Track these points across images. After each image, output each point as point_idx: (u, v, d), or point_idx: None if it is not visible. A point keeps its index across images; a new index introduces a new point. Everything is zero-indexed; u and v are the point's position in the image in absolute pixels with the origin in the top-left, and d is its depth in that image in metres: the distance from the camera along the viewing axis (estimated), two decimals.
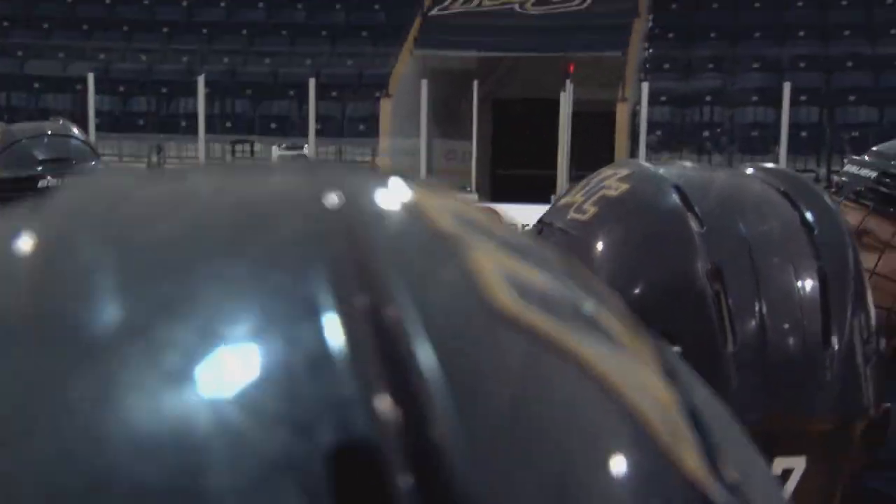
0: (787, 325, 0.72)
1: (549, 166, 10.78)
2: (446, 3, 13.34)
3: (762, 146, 11.50)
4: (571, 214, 0.77)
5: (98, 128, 11.56)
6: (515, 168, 12.20)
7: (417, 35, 13.01)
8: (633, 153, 11.07)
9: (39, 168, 1.77)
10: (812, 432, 0.74)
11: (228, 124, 12.31)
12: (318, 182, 0.27)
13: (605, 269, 0.73)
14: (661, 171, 0.79)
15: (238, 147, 12.52)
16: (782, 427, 0.71)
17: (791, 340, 0.72)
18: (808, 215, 0.77)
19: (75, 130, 1.85)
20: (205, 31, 13.97)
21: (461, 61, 12.84)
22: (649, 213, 0.76)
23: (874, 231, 1.55)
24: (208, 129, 11.30)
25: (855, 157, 1.66)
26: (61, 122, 1.97)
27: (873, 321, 0.79)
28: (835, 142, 11.46)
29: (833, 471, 0.75)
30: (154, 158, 12.60)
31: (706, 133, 11.96)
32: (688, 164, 0.85)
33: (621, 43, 12.46)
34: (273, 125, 12.44)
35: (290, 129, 12.23)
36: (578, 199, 0.78)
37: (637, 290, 0.72)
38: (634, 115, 11.41)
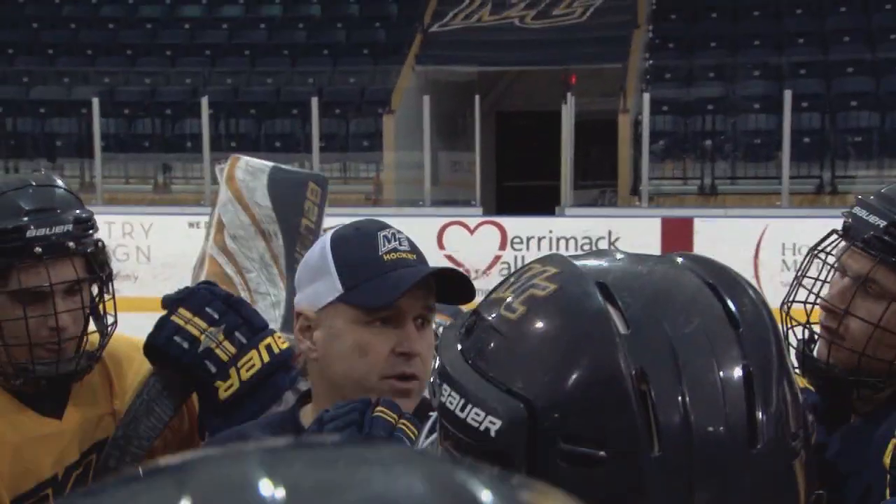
0: (711, 428, 0.71)
1: (553, 177, 10.89)
2: (446, 20, 13.47)
3: (765, 153, 11.59)
4: (502, 312, 0.77)
5: (104, 149, 11.71)
6: (520, 179, 12.30)
7: (418, 51, 13.15)
8: (637, 162, 11.17)
9: (25, 219, 1.77)
10: None
11: (233, 143, 12.40)
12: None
13: (533, 372, 0.73)
14: (590, 267, 0.78)
15: None
16: None
17: (716, 443, 0.71)
18: (734, 310, 0.76)
19: (59, 181, 1.89)
20: (207, 52, 14.12)
21: (463, 75, 12.95)
22: (574, 315, 0.75)
23: (881, 282, 1.55)
24: (213, 149, 11.40)
25: (862, 199, 1.64)
26: (43, 172, 2.02)
27: (802, 411, 0.77)
28: (838, 147, 11.53)
29: None
30: (160, 179, 12.73)
31: (709, 141, 12.03)
32: (619, 254, 0.82)
33: (621, 54, 12.57)
34: (277, 143, 12.55)
35: (295, 146, 12.35)
36: (508, 296, 0.78)
37: (564, 395, 0.72)
38: (637, 124, 11.51)
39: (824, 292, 1.66)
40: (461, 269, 7.81)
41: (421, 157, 11.09)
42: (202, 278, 2.10)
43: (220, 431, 1.70)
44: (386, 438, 1.22)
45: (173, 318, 1.79)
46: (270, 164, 2.18)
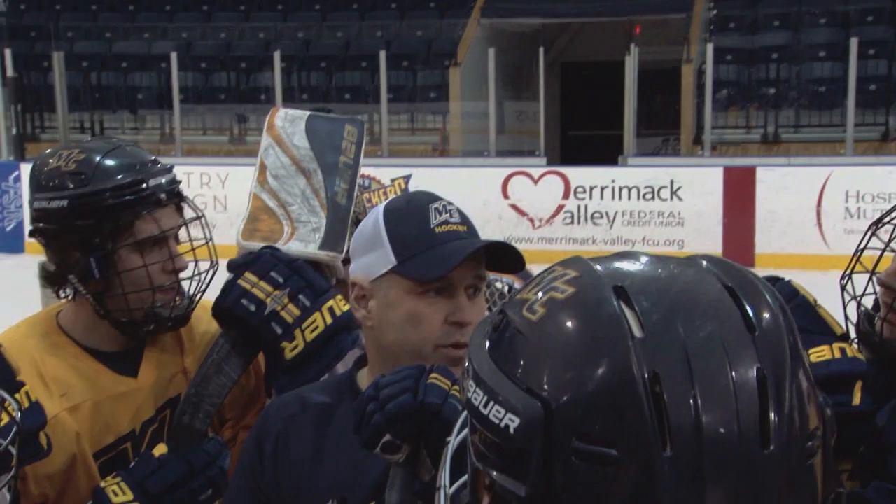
0: (723, 430, 0.72)
1: (617, 127, 10.97)
2: None
3: (830, 100, 11.51)
4: (524, 312, 0.79)
5: (182, 102, 12.10)
6: (583, 129, 12.37)
7: (484, 4, 13.22)
8: (700, 111, 11.20)
9: (139, 171, 1.85)
10: None
11: (304, 95, 12.73)
12: None
13: (550, 372, 0.74)
14: (609, 270, 0.80)
15: None
16: None
17: (728, 444, 0.72)
18: (751, 314, 0.76)
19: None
20: (279, 7, 14.40)
21: (528, 26, 13.04)
22: (590, 318, 0.76)
23: None
24: (285, 101, 11.70)
25: None
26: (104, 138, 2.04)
27: (821, 411, 0.78)
28: None
29: None
30: (236, 130, 13.02)
31: (773, 90, 11.98)
32: (643, 258, 0.83)
33: (685, 3, 12.51)
34: (347, 95, 12.82)
35: (363, 98, 12.61)
36: (531, 297, 0.80)
37: (578, 396, 0.73)
38: (700, 74, 11.51)
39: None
40: (524, 219, 8.16)
41: (486, 108, 11.24)
42: (246, 220, 2.15)
43: (285, 390, 1.73)
44: (440, 405, 1.25)
45: (240, 281, 1.81)
46: (307, 112, 2.17)
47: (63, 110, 12.41)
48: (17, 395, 1.45)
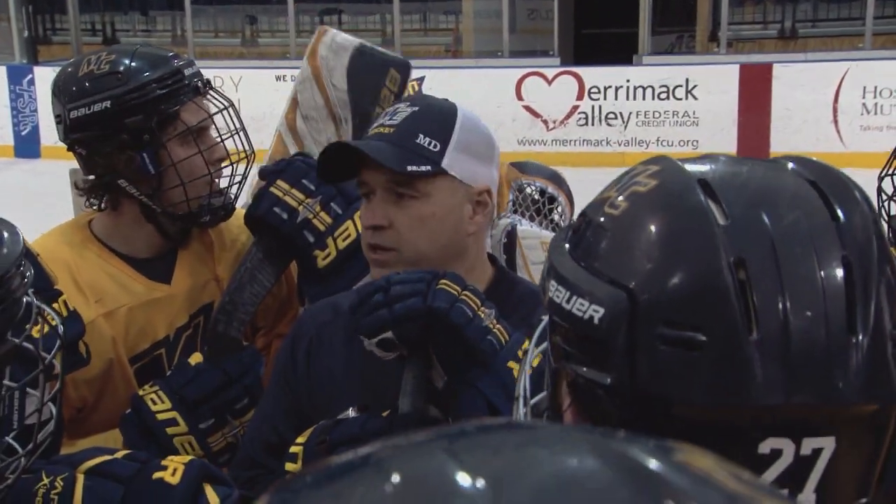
0: (810, 313, 0.72)
1: (631, 24, 10.82)
2: None
3: None
4: (605, 209, 0.80)
5: (193, 3, 11.99)
6: (597, 27, 12.20)
7: None
8: (717, 7, 11.02)
9: (174, 62, 1.84)
10: (839, 416, 0.73)
11: None
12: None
13: (634, 262, 0.75)
14: (692, 165, 0.80)
15: (326, 18, 12.82)
16: (808, 411, 0.73)
17: (814, 328, 0.72)
18: (836, 206, 0.76)
19: None
20: None
21: None
22: (675, 208, 0.76)
23: None
24: (297, 0, 11.61)
25: None
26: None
27: None
28: None
29: (866, 453, 0.75)
30: (248, 32, 12.90)
31: None
32: (723, 157, 0.83)
33: None
34: None
35: None
36: (612, 195, 0.81)
37: (664, 284, 0.74)
38: None
39: None
40: (538, 121, 8.11)
41: (499, 6, 11.12)
42: (271, 151, 2.19)
43: (317, 299, 1.75)
44: (448, 309, 1.27)
45: (272, 189, 1.81)
46: (357, 42, 2.09)
47: (74, 12, 12.31)
48: (55, 305, 1.47)
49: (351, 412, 1.38)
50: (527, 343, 1.31)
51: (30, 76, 11.09)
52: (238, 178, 1.92)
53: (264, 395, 1.66)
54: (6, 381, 1.05)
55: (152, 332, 1.87)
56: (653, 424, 0.73)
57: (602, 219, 0.79)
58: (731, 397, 0.72)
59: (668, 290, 0.73)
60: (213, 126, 1.88)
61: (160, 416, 1.69)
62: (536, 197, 2.84)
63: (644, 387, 0.73)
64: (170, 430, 1.69)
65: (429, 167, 1.46)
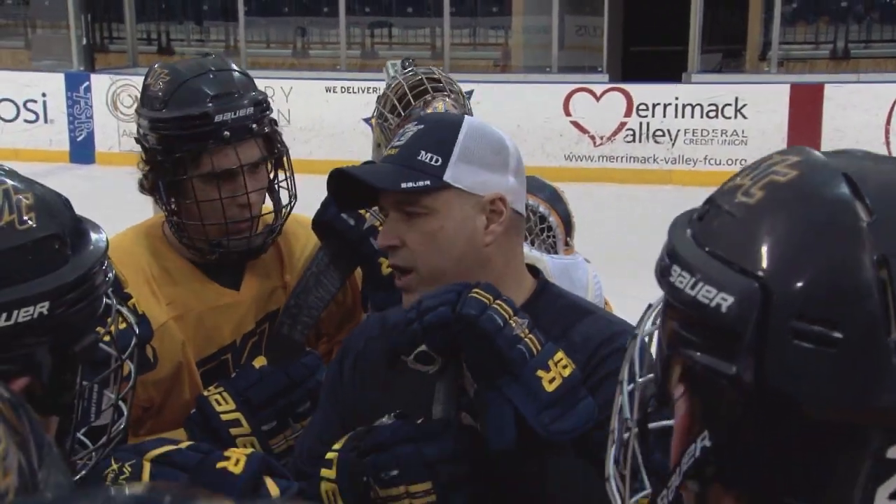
0: None
1: (681, 42, 10.77)
2: None
3: None
4: (739, 198, 0.77)
5: (247, 14, 12.16)
6: (647, 44, 12.16)
7: None
8: (768, 26, 10.94)
9: (210, 104, 1.81)
10: None
11: (367, 9, 12.70)
12: None
13: (769, 252, 0.73)
14: (832, 158, 0.78)
15: (377, 31, 12.92)
16: None
17: None
18: None
19: (233, 65, 1.94)
20: None
21: None
22: (817, 200, 0.74)
23: None
24: (348, 12, 11.71)
25: None
26: (215, 56, 1.97)
27: None
28: None
29: None
30: (299, 43, 13.05)
31: (844, 3, 11.62)
32: (861, 153, 0.81)
33: None
34: (409, 9, 12.73)
35: (425, 11, 12.52)
36: (746, 183, 0.78)
37: (801, 276, 0.71)
38: None
39: None
40: (585, 136, 8.08)
41: (549, 22, 11.14)
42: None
43: (381, 304, 1.77)
44: (477, 316, 1.28)
45: None
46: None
47: (131, 21, 12.56)
48: (124, 308, 1.53)
49: (386, 419, 1.40)
50: (561, 354, 1.32)
51: (86, 83, 11.32)
52: (279, 224, 1.92)
53: (318, 407, 1.67)
54: (84, 381, 1.08)
55: (220, 337, 1.90)
56: (775, 420, 0.72)
57: (734, 207, 0.77)
58: (864, 398, 0.70)
59: (805, 284, 0.71)
60: (265, 166, 1.86)
61: (224, 417, 1.72)
62: (528, 215, 2.86)
63: (770, 380, 0.71)
64: (233, 431, 1.71)
65: (427, 182, 1.45)
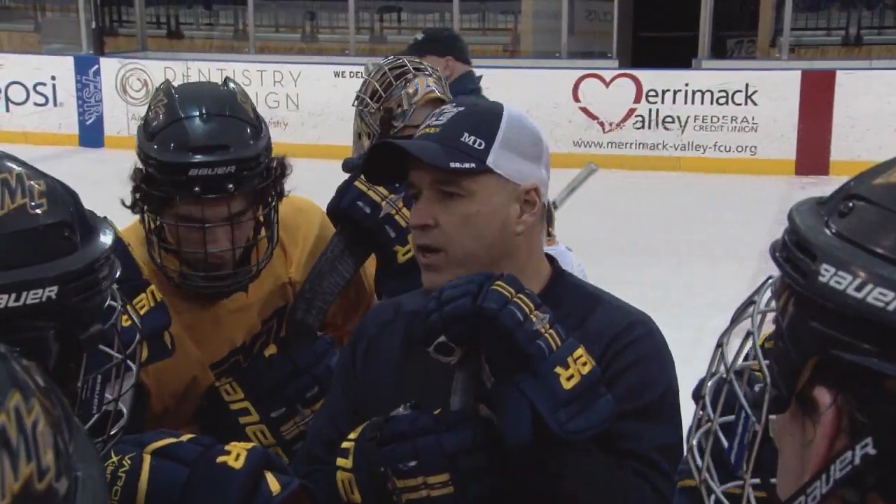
0: None
1: (691, 28, 10.73)
2: None
3: None
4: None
5: None
6: (656, 30, 12.11)
7: None
8: (779, 12, 10.88)
9: (190, 155, 1.73)
10: None
11: None
12: None
13: None
14: None
15: (385, 16, 12.90)
16: None
17: None
18: None
19: (236, 90, 1.85)
20: None
21: None
22: None
23: None
24: None
25: None
26: (230, 85, 1.88)
27: None
28: None
29: None
30: (307, 27, 13.02)
31: None
32: None
33: None
34: None
35: None
36: None
37: None
38: None
39: None
40: (595, 123, 8.08)
41: (558, 7, 11.10)
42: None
43: (395, 292, 1.75)
44: (497, 310, 1.26)
45: (356, 183, 1.84)
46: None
47: (140, 5, 12.56)
48: (143, 295, 1.52)
49: (402, 410, 1.39)
50: (581, 350, 1.31)
51: (96, 66, 11.33)
52: (253, 273, 1.85)
53: (329, 392, 1.67)
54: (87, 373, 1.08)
55: (230, 341, 1.91)
56: None
57: (888, 199, 0.73)
58: None
59: None
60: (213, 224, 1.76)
61: (234, 406, 1.74)
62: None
63: None
64: (242, 420, 1.73)
65: (473, 164, 1.44)
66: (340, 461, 1.38)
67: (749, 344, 0.83)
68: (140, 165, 1.80)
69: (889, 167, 0.77)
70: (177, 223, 1.75)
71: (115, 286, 1.09)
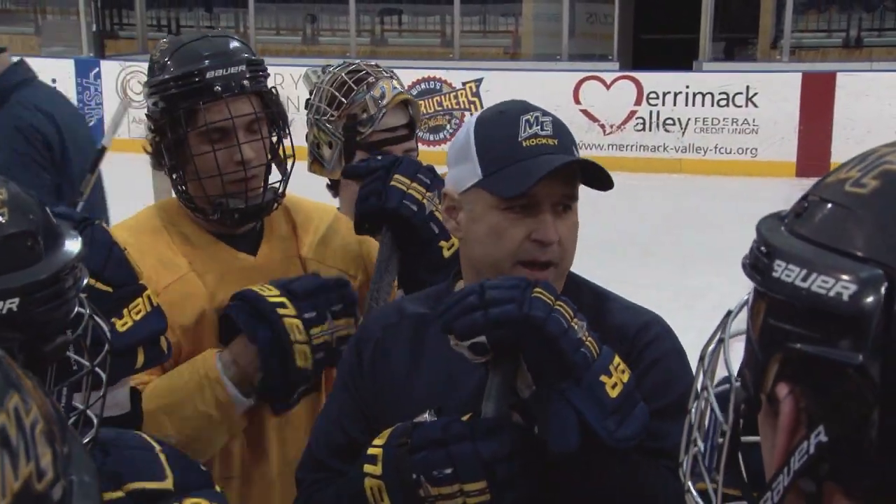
0: None
1: (692, 30, 10.73)
2: None
3: None
4: (848, 188, 0.76)
5: (256, 0, 12.16)
6: (657, 32, 12.11)
7: None
8: (780, 14, 10.89)
9: (205, 62, 1.86)
10: None
11: None
12: None
13: (891, 241, 0.72)
14: None
15: (386, 18, 12.90)
16: None
17: None
18: None
19: (234, 36, 2.02)
20: None
21: None
22: None
23: None
24: (358, 0, 11.71)
25: None
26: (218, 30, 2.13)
27: None
28: None
29: None
30: (308, 30, 13.03)
31: None
32: None
33: None
34: None
35: None
36: (854, 175, 0.77)
37: None
38: None
39: None
40: (595, 125, 8.11)
41: (559, 10, 11.11)
42: None
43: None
44: (544, 319, 1.25)
45: (394, 183, 1.85)
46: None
47: (141, 7, 12.58)
48: (138, 300, 1.52)
49: (427, 416, 1.37)
50: (618, 358, 1.30)
51: (96, 70, 11.34)
52: (283, 180, 1.96)
53: (330, 398, 1.65)
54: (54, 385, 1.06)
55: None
56: None
57: (844, 198, 0.75)
58: None
59: None
60: (238, 129, 1.88)
61: (271, 299, 1.77)
62: None
63: None
64: (280, 311, 1.76)
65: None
66: (368, 468, 1.36)
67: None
68: (155, 111, 1.89)
69: (844, 165, 0.80)
70: (209, 136, 1.85)
71: (82, 294, 1.07)
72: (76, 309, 1.05)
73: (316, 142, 2.26)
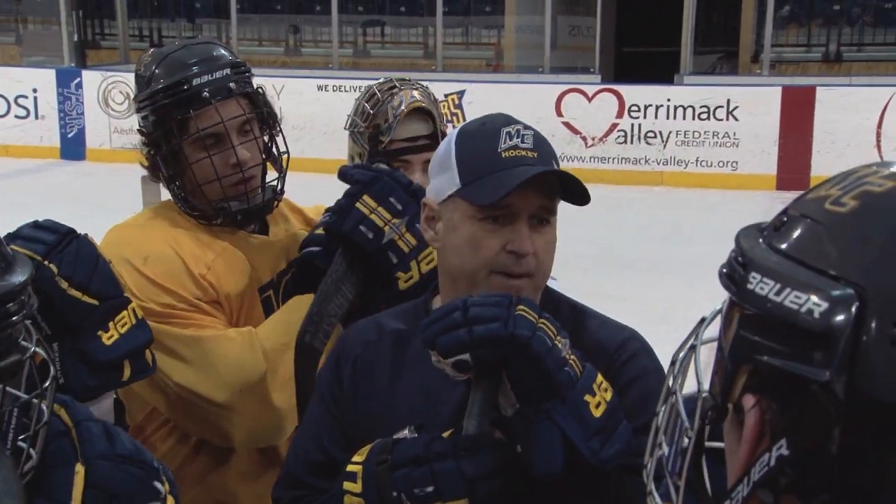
0: None
1: (673, 43, 10.79)
2: None
3: (895, 17, 11.16)
4: (827, 206, 0.76)
5: (239, 11, 12.14)
6: (639, 45, 12.17)
7: None
8: (760, 28, 10.97)
9: (190, 69, 1.90)
10: None
11: (360, 7, 12.68)
12: None
13: (867, 261, 0.72)
14: None
15: (369, 30, 12.91)
16: None
17: None
18: None
19: (217, 42, 2.00)
20: None
21: None
22: None
23: None
24: (341, 11, 11.70)
25: None
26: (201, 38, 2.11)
27: None
28: None
29: None
30: (291, 41, 13.02)
31: (837, 7, 11.66)
32: None
33: None
34: (402, 8, 12.73)
35: (418, 10, 12.51)
36: (834, 193, 0.77)
37: None
38: None
39: None
40: (577, 137, 8.14)
41: (541, 22, 11.15)
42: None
43: None
44: (529, 337, 1.24)
45: (358, 205, 1.82)
46: None
47: (123, 18, 12.52)
48: (124, 313, 1.51)
49: (407, 432, 1.36)
50: (601, 377, 1.29)
51: (78, 79, 11.28)
52: (272, 182, 2.00)
53: (307, 414, 1.62)
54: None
55: (257, 276, 1.97)
56: (864, 427, 0.70)
57: (822, 216, 0.76)
58: None
59: None
60: (231, 132, 1.91)
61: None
62: None
63: (862, 387, 0.70)
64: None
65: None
66: (348, 485, 1.34)
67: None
68: (147, 124, 1.94)
69: (826, 183, 0.81)
70: (203, 143, 1.89)
71: (28, 322, 1.04)
72: (20, 339, 1.02)
73: (351, 154, 2.31)
